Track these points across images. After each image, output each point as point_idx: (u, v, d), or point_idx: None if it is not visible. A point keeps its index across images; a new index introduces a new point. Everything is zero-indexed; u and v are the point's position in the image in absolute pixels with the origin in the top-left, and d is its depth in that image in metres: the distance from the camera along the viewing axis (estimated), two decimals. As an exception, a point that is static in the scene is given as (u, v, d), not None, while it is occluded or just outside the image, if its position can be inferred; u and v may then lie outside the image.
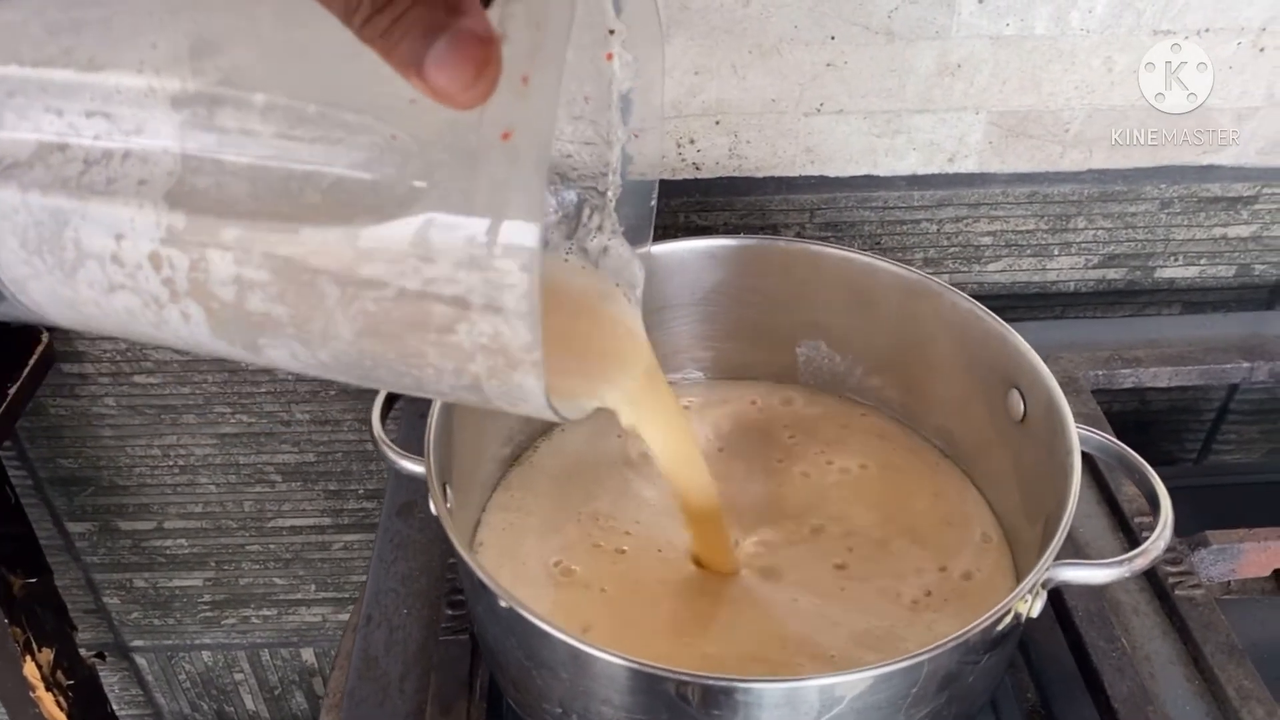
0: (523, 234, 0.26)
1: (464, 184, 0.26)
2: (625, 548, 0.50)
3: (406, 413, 0.64)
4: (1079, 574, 0.40)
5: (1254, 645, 0.51)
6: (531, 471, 0.54)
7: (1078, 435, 0.43)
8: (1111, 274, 0.75)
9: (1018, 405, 0.48)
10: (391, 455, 0.45)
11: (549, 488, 0.53)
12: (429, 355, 0.28)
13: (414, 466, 0.44)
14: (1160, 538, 0.41)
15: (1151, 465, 0.45)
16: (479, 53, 0.23)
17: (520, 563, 0.49)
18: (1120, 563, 0.40)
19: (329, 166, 0.27)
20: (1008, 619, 0.38)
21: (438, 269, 0.26)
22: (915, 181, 0.70)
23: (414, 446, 0.45)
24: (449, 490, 0.44)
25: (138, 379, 0.77)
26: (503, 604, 0.37)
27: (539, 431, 0.56)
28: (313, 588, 0.92)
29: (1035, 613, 0.40)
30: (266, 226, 0.28)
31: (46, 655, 0.80)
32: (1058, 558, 0.39)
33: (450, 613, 0.51)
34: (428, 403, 0.47)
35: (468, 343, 0.27)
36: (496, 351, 0.27)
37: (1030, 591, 0.38)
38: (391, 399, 0.49)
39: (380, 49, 0.24)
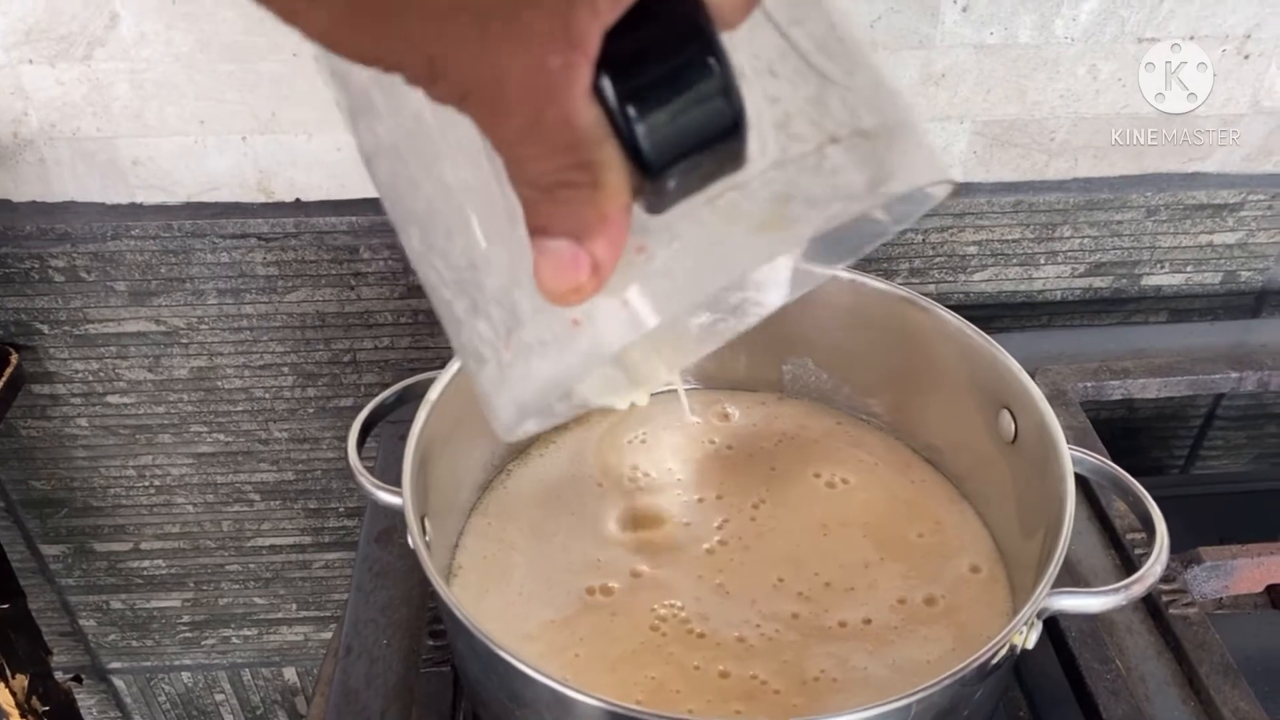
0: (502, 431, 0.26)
1: (497, 353, 0.27)
2: (609, 581, 0.49)
3: (385, 435, 0.63)
4: (1075, 603, 0.39)
5: (1247, 660, 0.51)
6: (507, 496, 0.53)
7: (1071, 458, 0.43)
8: (1098, 282, 0.75)
9: (1009, 426, 0.47)
10: (369, 487, 0.44)
11: (527, 513, 0.52)
12: None
13: (392, 499, 0.43)
14: (1157, 562, 0.40)
15: (1140, 474, 0.44)
16: (578, 278, 0.24)
17: (501, 593, 0.48)
18: (1116, 590, 0.39)
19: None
20: (1003, 653, 0.37)
21: None
22: (900, 192, 0.69)
23: (393, 471, 0.43)
24: (427, 523, 0.43)
25: (111, 399, 0.75)
26: (484, 645, 0.36)
27: (513, 454, 0.55)
28: (294, 606, 0.91)
29: (1031, 644, 0.39)
30: None
31: (21, 681, 0.78)
32: (1053, 585, 0.39)
33: (431, 643, 0.50)
34: (408, 424, 0.46)
35: None
36: None
37: (1026, 624, 0.37)
38: (368, 425, 0.48)
39: (524, 199, 0.24)
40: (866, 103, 0.26)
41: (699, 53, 0.22)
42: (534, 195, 0.23)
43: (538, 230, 0.24)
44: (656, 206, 0.24)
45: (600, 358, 0.26)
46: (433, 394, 0.46)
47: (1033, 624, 0.39)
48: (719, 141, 0.23)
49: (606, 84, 0.22)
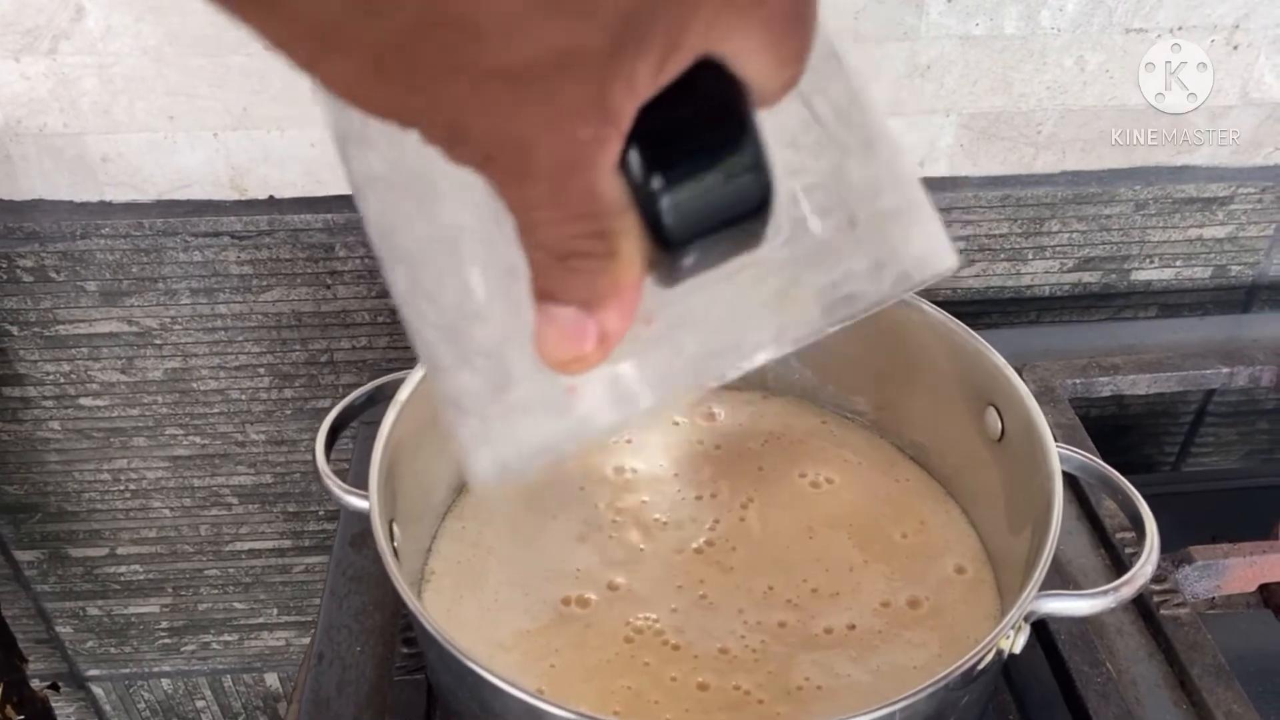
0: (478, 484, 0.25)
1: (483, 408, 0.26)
2: (586, 592, 0.47)
3: (362, 436, 0.62)
4: (1063, 605, 0.38)
5: (1240, 660, 0.50)
6: (482, 499, 0.52)
7: (1059, 456, 0.42)
8: (1087, 277, 0.74)
9: (995, 424, 0.46)
10: (336, 491, 0.43)
11: (504, 516, 0.51)
12: None
13: (359, 503, 0.42)
14: (1147, 562, 0.39)
15: (1130, 471, 0.43)
16: (583, 348, 0.23)
17: (476, 600, 0.46)
18: (1106, 593, 0.38)
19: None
20: (989, 658, 0.36)
21: None
22: (886, 186, 0.67)
23: (366, 473, 0.42)
24: (395, 528, 0.41)
25: (83, 401, 0.74)
26: (454, 656, 0.35)
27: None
28: (275, 611, 0.89)
29: (1018, 649, 0.38)
30: None
31: (-4, 689, 0.76)
32: (1041, 587, 0.37)
33: (405, 650, 0.48)
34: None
35: None
36: None
37: (1013, 628, 0.36)
38: (337, 428, 0.47)
39: (533, 262, 0.22)
40: (886, 180, 0.26)
41: (732, 131, 0.22)
42: (545, 260, 0.22)
43: (545, 295, 0.23)
44: (669, 280, 0.24)
45: (593, 430, 0.26)
46: (402, 394, 0.45)
47: (1020, 628, 0.37)
48: (744, 220, 0.22)
49: (635, 156, 0.21)
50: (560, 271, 0.22)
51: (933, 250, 0.27)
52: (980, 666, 0.36)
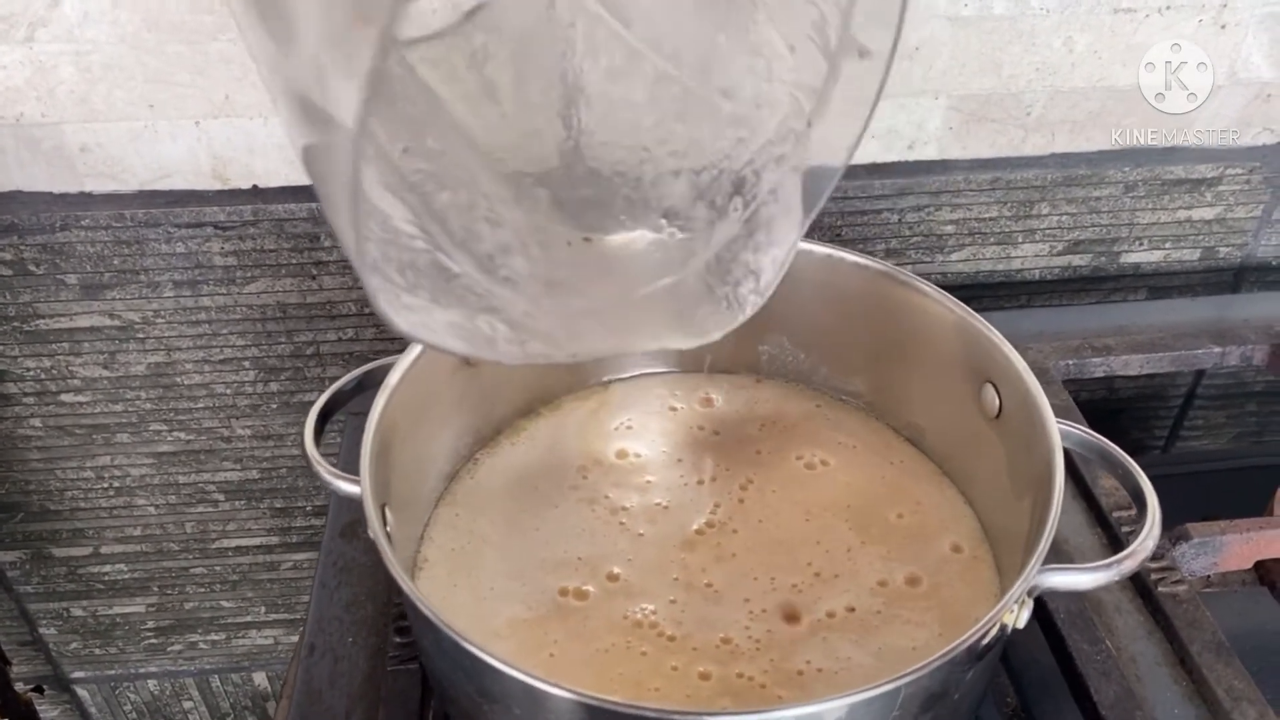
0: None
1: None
2: (585, 583, 0.46)
3: (350, 426, 0.61)
4: (1065, 580, 0.38)
5: (1236, 639, 0.50)
6: (477, 486, 0.51)
7: (1059, 431, 0.41)
8: (1077, 260, 0.74)
9: (992, 401, 0.46)
10: (326, 476, 0.42)
11: (499, 504, 0.50)
12: None
13: (351, 488, 0.41)
14: (1149, 537, 0.39)
15: None
16: None
17: (470, 588, 0.46)
18: (1108, 566, 0.38)
19: None
20: (994, 632, 0.36)
21: None
22: (875, 170, 0.67)
23: (356, 462, 0.41)
24: (388, 513, 0.41)
25: (65, 398, 0.72)
26: (451, 640, 0.34)
27: (481, 443, 0.53)
28: (263, 609, 0.88)
29: (1022, 623, 0.38)
30: None
31: (-22, 692, 0.75)
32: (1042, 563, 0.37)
33: (398, 640, 0.48)
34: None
35: None
36: None
37: (1017, 602, 0.36)
38: (326, 414, 0.46)
39: None
40: None
41: None
42: None
43: None
44: None
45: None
46: (392, 378, 0.44)
47: (1024, 602, 0.37)
48: None
49: None
50: None
51: None
52: (985, 642, 0.35)
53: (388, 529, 0.40)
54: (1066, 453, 0.52)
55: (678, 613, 0.44)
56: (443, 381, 0.48)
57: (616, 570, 0.46)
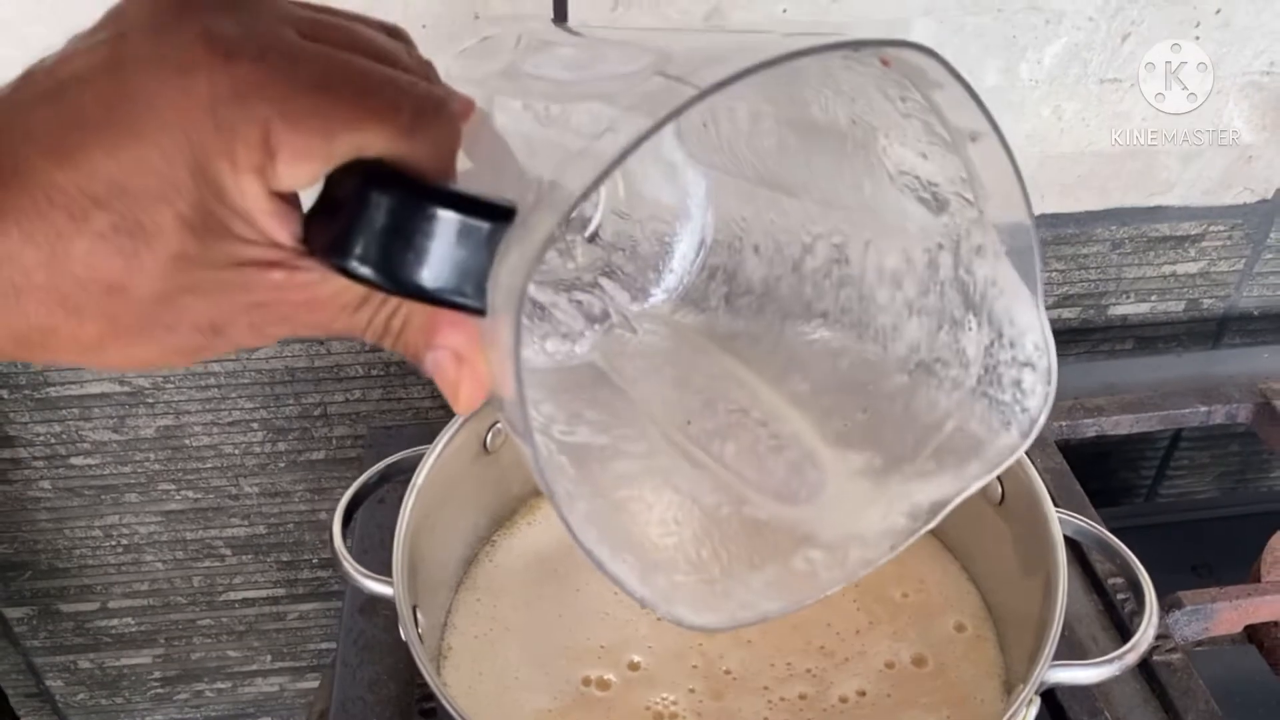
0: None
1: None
2: (606, 672, 0.47)
3: (363, 515, 0.62)
4: (1071, 675, 0.39)
5: (1226, 694, 0.52)
6: (496, 570, 0.52)
7: (1059, 521, 0.43)
8: (1066, 313, 0.76)
9: (995, 488, 0.48)
10: (357, 577, 0.43)
11: (520, 587, 0.51)
12: None
13: (383, 589, 0.42)
14: (1149, 627, 0.41)
15: (1107, 496, 0.45)
16: (451, 377, 0.27)
17: (495, 677, 0.47)
18: (1110, 661, 0.40)
19: None
20: (1004, 734, 0.37)
21: None
22: (871, 234, 0.69)
23: (373, 551, 0.43)
24: (419, 614, 0.42)
25: (74, 461, 0.73)
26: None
27: (497, 524, 0.54)
28: (269, 658, 0.89)
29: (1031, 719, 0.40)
30: None
31: (-13, 748, 0.76)
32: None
33: (423, 722, 0.49)
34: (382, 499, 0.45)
35: None
36: None
37: (1026, 703, 0.38)
38: (353, 505, 0.47)
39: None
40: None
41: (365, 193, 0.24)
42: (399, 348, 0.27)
43: (417, 359, 0.27)
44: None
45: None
46: (419, 479, 0.45)
47: (1031, 701, 0.39)
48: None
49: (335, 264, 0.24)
50: (397, 345, 0.27)
51: None
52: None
53: (419, 630, 0.41)
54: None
55: (696, 703, 0.45)
56: (464, 470, 0.49)
57: (637, 659, 0.47)
